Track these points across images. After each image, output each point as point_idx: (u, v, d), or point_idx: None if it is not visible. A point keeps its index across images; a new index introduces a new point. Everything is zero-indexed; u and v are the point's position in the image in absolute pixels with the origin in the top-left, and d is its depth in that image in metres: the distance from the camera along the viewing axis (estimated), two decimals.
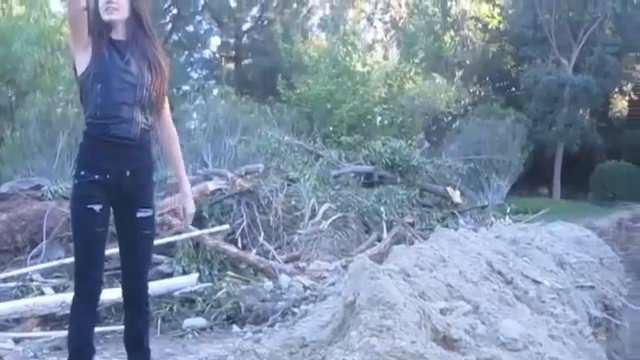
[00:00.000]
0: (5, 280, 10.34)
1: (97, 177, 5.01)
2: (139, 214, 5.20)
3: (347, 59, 30.29)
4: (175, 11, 40.40)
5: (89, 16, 5.03)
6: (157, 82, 5.24)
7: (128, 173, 5.09)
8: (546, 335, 5.64)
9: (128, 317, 5.48)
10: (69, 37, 5.16)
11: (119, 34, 5.14)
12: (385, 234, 14.45)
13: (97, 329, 8.93)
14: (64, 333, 8.97)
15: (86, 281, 5.20)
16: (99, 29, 5.06)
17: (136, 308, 5.43)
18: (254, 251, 12.73)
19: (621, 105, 40.58)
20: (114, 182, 5.05)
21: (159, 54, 5.31)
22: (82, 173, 5.05)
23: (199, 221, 13.15)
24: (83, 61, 5.09)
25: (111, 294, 7.37)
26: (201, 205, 13.46)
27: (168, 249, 11.96)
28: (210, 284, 10.93)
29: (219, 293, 10.51)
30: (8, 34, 24.39)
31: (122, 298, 5.51)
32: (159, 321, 9.88)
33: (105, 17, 5.07)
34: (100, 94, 5.01)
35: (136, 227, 5.21)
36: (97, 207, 5.02)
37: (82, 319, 5.29)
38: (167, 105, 5.53)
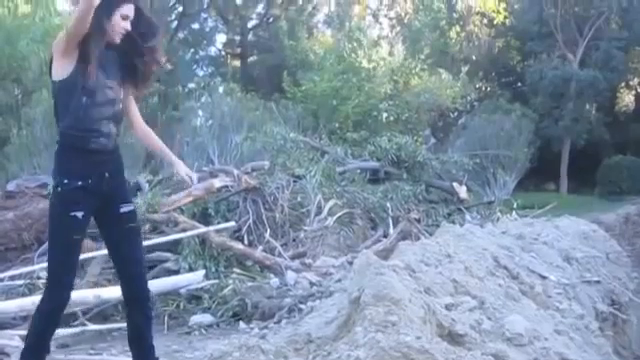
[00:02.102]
0: (12, 278, 10.37)
1: (80, 183, 5.14)
2: (122, 209, 5.35)
3: (352, 55, 30.28)
4: (181, 9, 40.44)
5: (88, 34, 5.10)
6: (129, 90, 5.47)
7: (107, 175, 5.25)
8: (552, 330, 5.64)
9: (130, 315, 5.58)
10: (57, 45, 5.16)
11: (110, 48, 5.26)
12: (391, 230, 14.45)
13: (104, 326, 9.02)
14: (71, 330, 9.03)
15: (59, 287, 5.33)
16: (99, 45, 5.12)
17: (138, 305, 5.48)
18: (260, 248, 12.74)
19: (628, 100, 40.49)
20: (95, 186, 5.18)
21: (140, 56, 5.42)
22: (65, 181, 5.16)
23: (205, 218, 13.19)
24: (63, 68, 5.17)
25: (117, 291, 7.38)
26: (207, 202, 13.50)
27: (174, 246, 11.98)
28: (216, 281, 10.95)
29: (225, 290, 10.54)
30: (14, 33, 24.45)
31: (122, 297, 5.58)
32: (166, 318, 9.92)
33: (116, 39, 5.16)
34: (84, 108, 5.13)
35: (122, 222, 5.35)
36: (80, 214, 5.15)
37: (46, 321, 5.38)
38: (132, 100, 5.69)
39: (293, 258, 12.53)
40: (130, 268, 5.45)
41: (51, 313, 5.34)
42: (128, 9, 5.19)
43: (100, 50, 5.11)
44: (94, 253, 10.11)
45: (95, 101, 5.12)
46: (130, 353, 5.68)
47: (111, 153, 5.29)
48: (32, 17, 26.21)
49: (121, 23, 5.17)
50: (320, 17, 41.37)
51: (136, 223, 5.51)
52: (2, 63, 24.51)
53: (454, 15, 38.96)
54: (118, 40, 5.21)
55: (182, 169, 5.74)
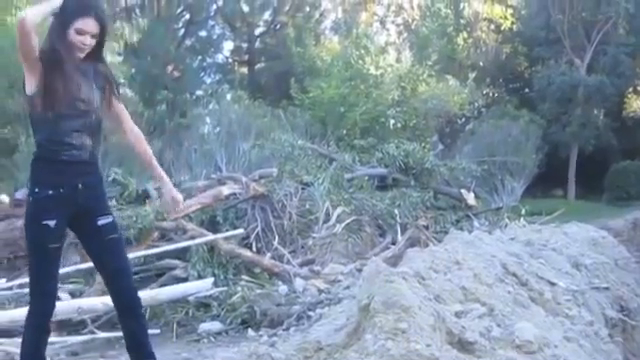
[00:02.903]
0: (21, 286, 10.39)
1: (51, 192, 5.11)
2: (100, 222, 5.30)
3: (360, 62, 30.23)
4: (188, 16, 40.43)
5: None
6: (106, 96, 5.36)
7: (80, 186, 5.19)
8: (561, 337, 5.63)
9: (124, 324, 5.50)
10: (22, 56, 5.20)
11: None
12: (399, 237, 14.44)
13: (112, 334, 9.02)
14: (81, 338, 9.05)
15: (41, 297, 5.29)
16: (58, 58, 5.09)
17: (130, 313, 5.44)
18: (269, 255, 12.77)
19: (636, 105, 40.33)
20: (68, 195, 5.15)
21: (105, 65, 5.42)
22: (36, 190, 5.15)
23: (214, 225, 13.21)
24: (30, 83, 5.19)
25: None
26: (215, 210, 13.52)
27: (183, 254, 12.01)
28: (225, 288, 10.98)
29: (234, 297, 10.56)
30: None
31: (114, 308, 5.57)
32: (175, 325, 9.96)
33: (78, 55, 5.13)
34: (52, 121, 5.11)
35: (101, 234, 5.31)
36: (52, 223, 5.13)
37: (36, 333, 5.35)
38: (120, 103, 5.57)
39: (302, 265, 12.55)
40: (117, 280, 5.41)
41: (39, 325, 5.31)
42: (82, 23, 5.11)
43: (61, 60, 5.09)
44: None
45: (63, 114, 5.08)
46: None
47: (86, 165, 5.25)
48: (40, 25, 26.27)
49: (77, 38, 5.10)
50: (327, 24, 41.37)
51: (117, 234, 5.44)
52: (10, 71, 24.53)
53: (461, 21, 38.86)
54: (82, 55, 5.17)
55: (169, 191, 5.72)
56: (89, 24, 5.13)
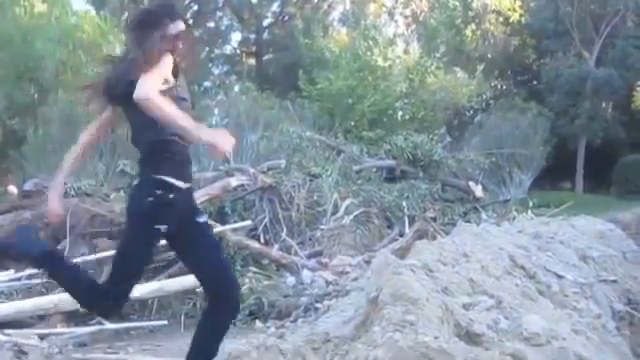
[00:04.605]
0: (30, 277, 10.40)
1: (171, 196, 4.90)
2: (199, 219, 5.15)
3: (368, 54, 30.27)
4: (196, 7, 40.51)
5: None
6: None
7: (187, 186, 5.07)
8: (569, 329, 5.61)
9: (217, 315, 5.30)
10: None
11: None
12: (407, 229, 14.43)
13: (122, 325, 9.04)
14: (89, 329, 9.06)
15: (122, 295, 5.11)
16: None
17: (232, 302, 5.30)
18: (276, 247, 12.77)
19: None
20: (181, 198, 4.98)
21: None
22: (158, 192, 4.89)
23: (222, 217, 13.22)
24: None
25: (133, 290, 7.34)
26: (224, 201, 13.53)
27: None
28: None
29: (242, 289, 10.55)
30: (30, 32, 24.52)
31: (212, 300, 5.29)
32: (182, 317, 9.95)
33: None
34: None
35: (199, 231, 5.13)
36: (163, 227, 4.92)
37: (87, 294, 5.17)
38: None
39: (309, 257, 12.55)
40: (224, 272, 5.22)
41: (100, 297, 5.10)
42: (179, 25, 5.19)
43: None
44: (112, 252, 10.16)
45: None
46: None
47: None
48: (48, 17, 26.26)
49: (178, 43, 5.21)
50: (335, 15, 41.53)
51: (211, 234, 5.44)
52: (19, 62, 24.59)
53: (470, 13, 38.84)
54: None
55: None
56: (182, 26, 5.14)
